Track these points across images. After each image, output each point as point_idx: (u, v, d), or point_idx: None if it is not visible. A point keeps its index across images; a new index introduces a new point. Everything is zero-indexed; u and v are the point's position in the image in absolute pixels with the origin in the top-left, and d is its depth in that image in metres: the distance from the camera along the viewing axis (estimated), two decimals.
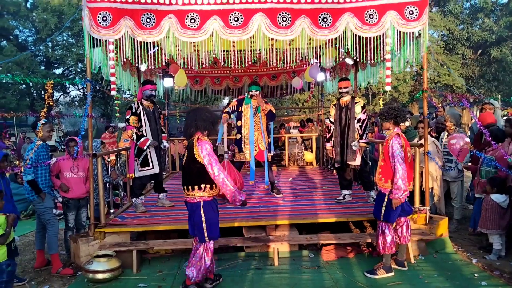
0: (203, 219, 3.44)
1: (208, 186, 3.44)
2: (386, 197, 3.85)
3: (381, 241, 3.91)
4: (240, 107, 5.83)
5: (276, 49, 6.01)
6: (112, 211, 5.09)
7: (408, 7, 4.31)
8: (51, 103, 3.84)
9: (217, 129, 3.71)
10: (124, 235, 4.61)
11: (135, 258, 4.23)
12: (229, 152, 6.02)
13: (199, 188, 3.43)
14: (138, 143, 5.02)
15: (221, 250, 4.57)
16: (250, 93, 5.74)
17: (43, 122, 4.02)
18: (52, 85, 3.90)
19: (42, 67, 24.95)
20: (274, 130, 11.21)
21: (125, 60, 5.04)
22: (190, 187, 3.45)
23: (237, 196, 3.42)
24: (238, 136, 5.84)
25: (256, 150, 5.74)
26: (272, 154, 5.94)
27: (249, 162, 5.88)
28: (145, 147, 5.03)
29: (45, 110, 3.85)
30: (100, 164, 4.55)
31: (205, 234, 3.45)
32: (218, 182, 3.40)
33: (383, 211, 3.88)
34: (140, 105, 5.12)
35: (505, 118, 5.78)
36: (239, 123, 5.84)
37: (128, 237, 4.64)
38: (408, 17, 4.31)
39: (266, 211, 5.17)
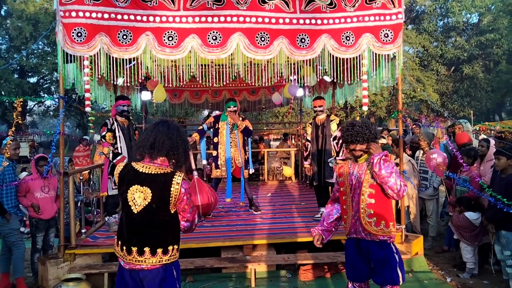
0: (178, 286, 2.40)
1: (176, 247, 2.36)
2: (394, 248, 2.77)
3: None
4: (217, 124, 5.79)
5: (256, 64, 6.04)
6: (83, 230, 4.91)
7: (383, 30, 4.41)
8: (19, 122, 3.69)
9: (188, 159, 2.51)
10: (95, 256, 4.45)
11: (107, 281, 4.08)
12: (208, 166, 5.97)
13: (165, 252, 2.29)
14: (114, 161, 4.88)
15: (197, 271, 4.47)
16: (228, 109, 5.69)
17: (11, 140, 3.85)
18: (21, 103, 3.76)
19: (16, 76, 24.25)
20: (254, 144, 11.25)
21: (100, 76, 4.94)
22: (147, 249, 2.26)
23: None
24: (215, 153, 5.80)
25: (233, 167, 5.71)
26: (250, 171, 5.89)
27: (226, 179, 5.83)
28: None
29: (13, 129, 3.70)
30: (71, 183, 4.40)
31: None
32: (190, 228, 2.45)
33: (398, 270, 2.72)
34: (115, 121, 5.01)
35: (481, 137, 5.95)
36: (215, 140, 5.80)
37: (100, 258, 4.48)
38: (383, 40, 4.42)
39: (244, 229, 5.11)
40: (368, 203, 2.75)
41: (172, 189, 2.25)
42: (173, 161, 2.35)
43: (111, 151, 4.88)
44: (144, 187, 2.26)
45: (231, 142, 5.70)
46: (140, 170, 2.29)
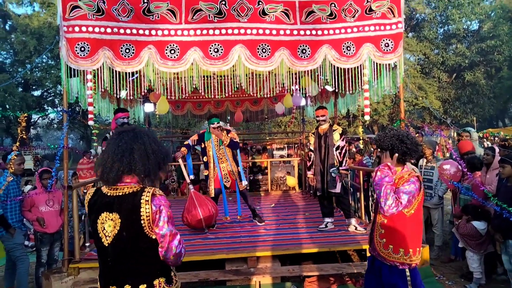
0: None
1: (163, 280, 1.97)
2: (408, 275, 2.58)
3: None
4: (202, 143, 5.71)
5: (258, 75, 6.07)
6: (87, 244, 4.90)
7: (383, 40, 4.43)
8: (24, 137, 3.72)
9: (164, 173, 1.86)
10: None
11: None
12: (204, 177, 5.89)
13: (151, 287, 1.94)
14: None
15: (201, 284, 4.43)
16: (211, 126, 5.57)
17: (16, 155, 3.88)
18: (25, 118, 3.79)
19: (20, 89, 24.48)
20: (257, 154, 11.25)
21: (103, 90, 4.98)
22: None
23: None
24: (206, 173, 5.73)
25: (229, 181, 5.67)
26: (244, 185, 5.78)
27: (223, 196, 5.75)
28: None
29: (17, 144, 3.73)
30: (75, 197, 4.40)
31: None
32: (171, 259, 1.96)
33: None
34: None
35: (486, 144, 5.91)
36: (205, 159, 5.73)
37: None
38: (384, 50, 4.43)
39: (248, 241, 5.07)
40: (381, 221, 2.60)
41: (141, 209, 1.86)
42: (142, 176, 1.93)
43: None
44: (113, 213, 1.89)
45: (221, 159, 5.66)
46: (108, 194, 1.92)
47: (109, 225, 1.89)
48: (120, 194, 1.91)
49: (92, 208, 1.96)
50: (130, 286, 1.90)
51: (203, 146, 5.72)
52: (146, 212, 1.86)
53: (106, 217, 1.90)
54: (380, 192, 2.46)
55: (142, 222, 1.86)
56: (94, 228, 1.95)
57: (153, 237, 1.90)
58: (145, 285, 1.91)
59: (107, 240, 1.90)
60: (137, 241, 1.88)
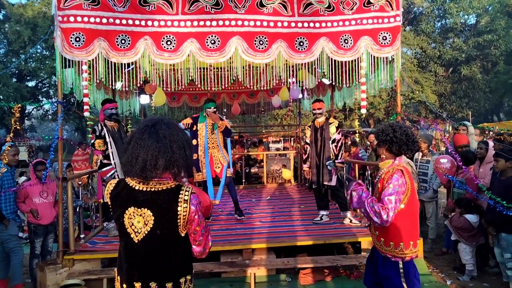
0: None
1: (189, 278, 1.90)
2: (400, 268, 2.60)
3: None
4: (195, 126, 5.64)
5: (254, 67, 6.05)
6: (82, 236, 4.89)
7: (381, 33, 4.42)
8: (18, 128, 3.68)
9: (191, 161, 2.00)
10: (94, 262, 4.43)
11: (105, 287, 4.07)
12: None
13: (176, 286, 1.86)
14: (99, 171, 4.86)
15: (196, 276, 4.44)
16: (208, 110, 5.54)
17: (10, 146, 3.85)
18: (19, 109, 3.75)
19: (14, 80, 24.21)
20: (253, 147, 11.25)
21: (98, 81, 4.93)
22: (153, 285, 1.84)
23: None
24: (195, 156, 5.61)
25: (220, 167, 5.63)
26: (231, 172, 5.76)
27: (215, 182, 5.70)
28: (105, 177, 4.84)
29: (11, 135, 3.69)
30: (70, 188, 4.38)
31: None
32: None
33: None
34: (104, 126, 4.95)
35: (480, 139, 5.93)
36: (194, 142, 5.58)
37: (99, 263, 4.46)
38: (381, 43, 4.42)
39: (243, 233, 5.09)
40: None
41: (179, 209, 1.79)
42: (177, 171, 1.86)
43: (99, 160, 4.84)
44: (143, 209, 1.80)
45: (213, 143, 5.61)
46: (137, 188, 1.83)
47: (138, 221, 1.81)
48: (153, 190, 1.82)
49: (116, 201, 1.87)
50: (156, 284, 1.82)
51: (194, 129, 5.63)
52: (184, 212, 1.79)
53: (134, 212, 1.82)
54: (365, 210, 2.47)
55: (178, 221, 1.80)
56: (120, 223, 1.86)
57: (183, 235, 1.85)
58: (171, 283, 1.84)
59: (137, 236, 1.82)
60: (169, 239, 1.83)
